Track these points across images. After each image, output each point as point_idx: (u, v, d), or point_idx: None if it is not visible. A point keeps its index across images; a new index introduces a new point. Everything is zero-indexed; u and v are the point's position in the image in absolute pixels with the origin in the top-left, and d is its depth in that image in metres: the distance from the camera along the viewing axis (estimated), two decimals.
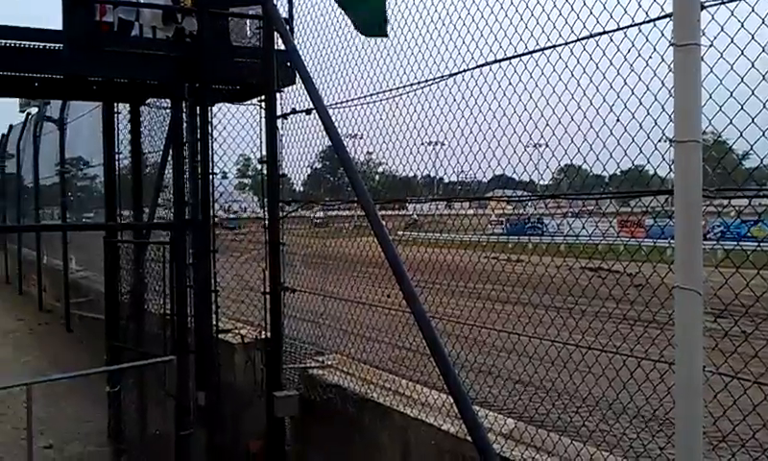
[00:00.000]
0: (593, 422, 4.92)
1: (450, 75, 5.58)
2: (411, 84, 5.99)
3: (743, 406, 3.79)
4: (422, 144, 6.24)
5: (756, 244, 5.55)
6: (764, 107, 3.50)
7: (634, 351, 4.43)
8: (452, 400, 4.46)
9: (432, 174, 6.89)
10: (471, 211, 7.09)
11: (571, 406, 5.28)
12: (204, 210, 7.57)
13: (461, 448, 4.95)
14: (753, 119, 3.55)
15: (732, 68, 3.57)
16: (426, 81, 5.83)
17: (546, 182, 5.65)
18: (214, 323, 7.60)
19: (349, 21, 6.53)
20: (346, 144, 5.92)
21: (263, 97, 7.77)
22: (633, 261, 4.98)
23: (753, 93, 3.51)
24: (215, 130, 7.82)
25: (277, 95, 7.70)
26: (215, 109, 7.97)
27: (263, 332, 7.50)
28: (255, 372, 7.53)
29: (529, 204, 7.13)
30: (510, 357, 5.28)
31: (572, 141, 4.60)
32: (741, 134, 3.65)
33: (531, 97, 4.84)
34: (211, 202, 7.74)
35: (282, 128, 7.69)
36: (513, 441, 4.88)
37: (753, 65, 3.49)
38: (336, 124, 6.53)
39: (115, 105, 9.13)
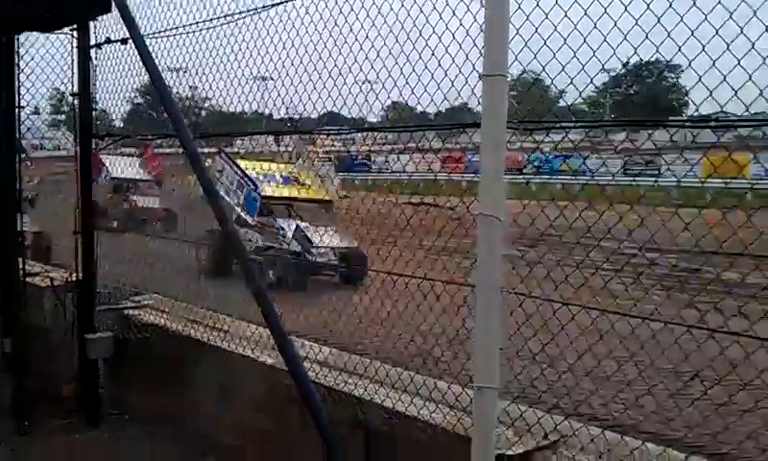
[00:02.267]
0: (403, 343, 5.09)
1: (273, 5, 5.43)
2: (232, 14, 5.79)
3: (536, 324, 4.07)
4: (252, 78, 6.06)
5: (571, 176, 5.80)
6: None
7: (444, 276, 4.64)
8: (269, 333, 4.50)
9: (261, 109, 6.75)
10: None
11: (382, 331, 5.44)
12: (8, 145, 7.02)
13: (279, 377, 4.97)
14: (554, 54, 3.75)
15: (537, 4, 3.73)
16: (248, 10, 5.65)
17: (376, 120, 5.67)
18: (21, 266, 7.12)
19: None
20: (170, 78, 5.65)
21: (75, 26, 7.26)
22: (452, 196, 5.20)
23: (556, 29, 3.69)
24: (22, 60, 7.26)
25: (92, 24, 7.23)
26: (23, 38, 7.39)
27: (75, 274, 7.12)
28: (66, 314, 7.14)
29: (357, 141, 7.20)
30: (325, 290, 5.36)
31: (403, 75, 4.54)
32: (544, 69, 3.86)
33: (363, 27, 4.67)
34: (18, 136, 7.22)
35: (97, 59, 7.23)
36: (327, 367, 4.99)
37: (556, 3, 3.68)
38: (158, 56, 6.26)
39: None
